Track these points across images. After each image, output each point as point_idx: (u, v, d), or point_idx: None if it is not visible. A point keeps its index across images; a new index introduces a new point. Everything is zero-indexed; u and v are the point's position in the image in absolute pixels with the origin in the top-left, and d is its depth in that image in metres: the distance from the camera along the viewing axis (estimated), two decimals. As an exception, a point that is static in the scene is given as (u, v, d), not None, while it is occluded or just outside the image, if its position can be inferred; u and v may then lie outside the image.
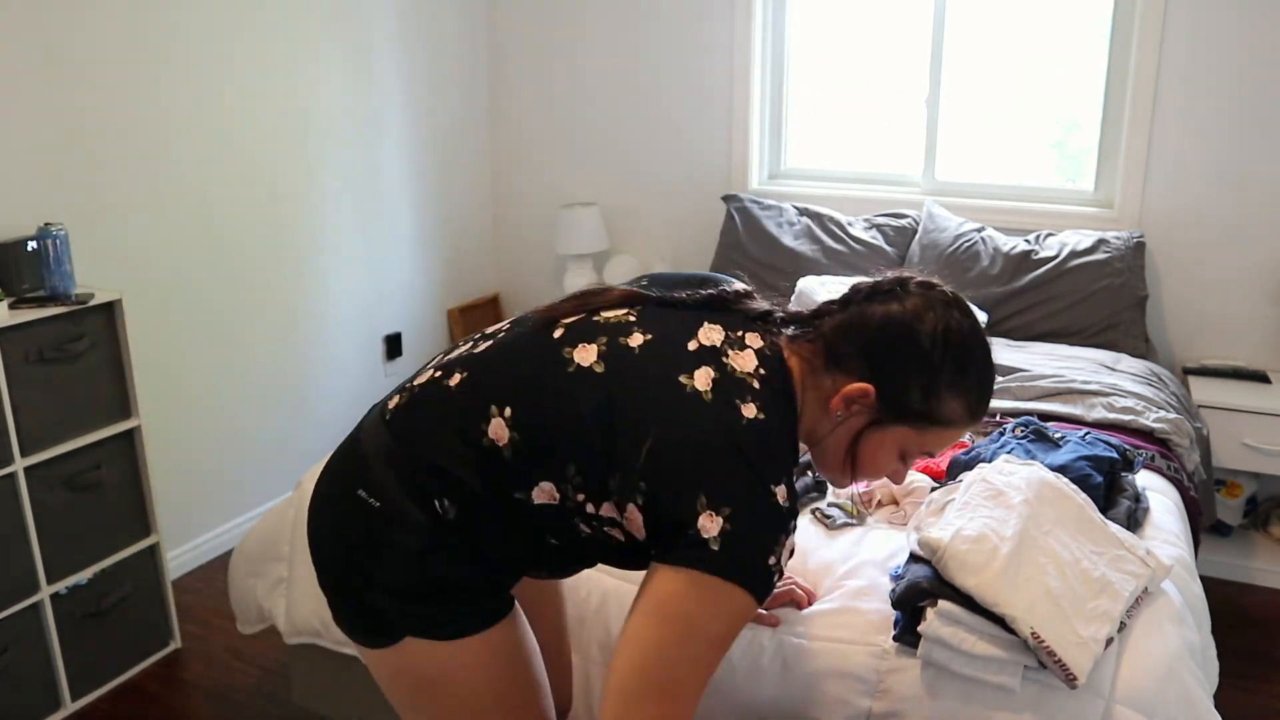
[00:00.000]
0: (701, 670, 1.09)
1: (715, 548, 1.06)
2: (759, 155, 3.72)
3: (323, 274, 3.33)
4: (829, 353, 1.21)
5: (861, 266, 3.30)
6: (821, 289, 3.17)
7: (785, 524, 1.11)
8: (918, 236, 3.30)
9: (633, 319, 1.22)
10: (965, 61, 3.39)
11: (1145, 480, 2.08)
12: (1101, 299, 2.96)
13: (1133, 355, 2.85)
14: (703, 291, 1.27)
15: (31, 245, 2.29)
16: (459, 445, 1.18)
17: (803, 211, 3.47)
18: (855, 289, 1.26)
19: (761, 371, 1.16)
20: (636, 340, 1.19)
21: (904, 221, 3.37)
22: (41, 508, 2.24)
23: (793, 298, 3.20)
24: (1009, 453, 1.99)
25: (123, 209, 2.66)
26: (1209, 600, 1.83)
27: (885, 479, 1.28)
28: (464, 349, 1.31)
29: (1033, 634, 1.42)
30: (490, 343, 1.29)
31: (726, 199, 3.59)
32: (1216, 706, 1.53)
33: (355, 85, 3.38)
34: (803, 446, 1.26)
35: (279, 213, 3.15)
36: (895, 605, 1.57)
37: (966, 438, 2.24)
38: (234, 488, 3.12)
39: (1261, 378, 2.96)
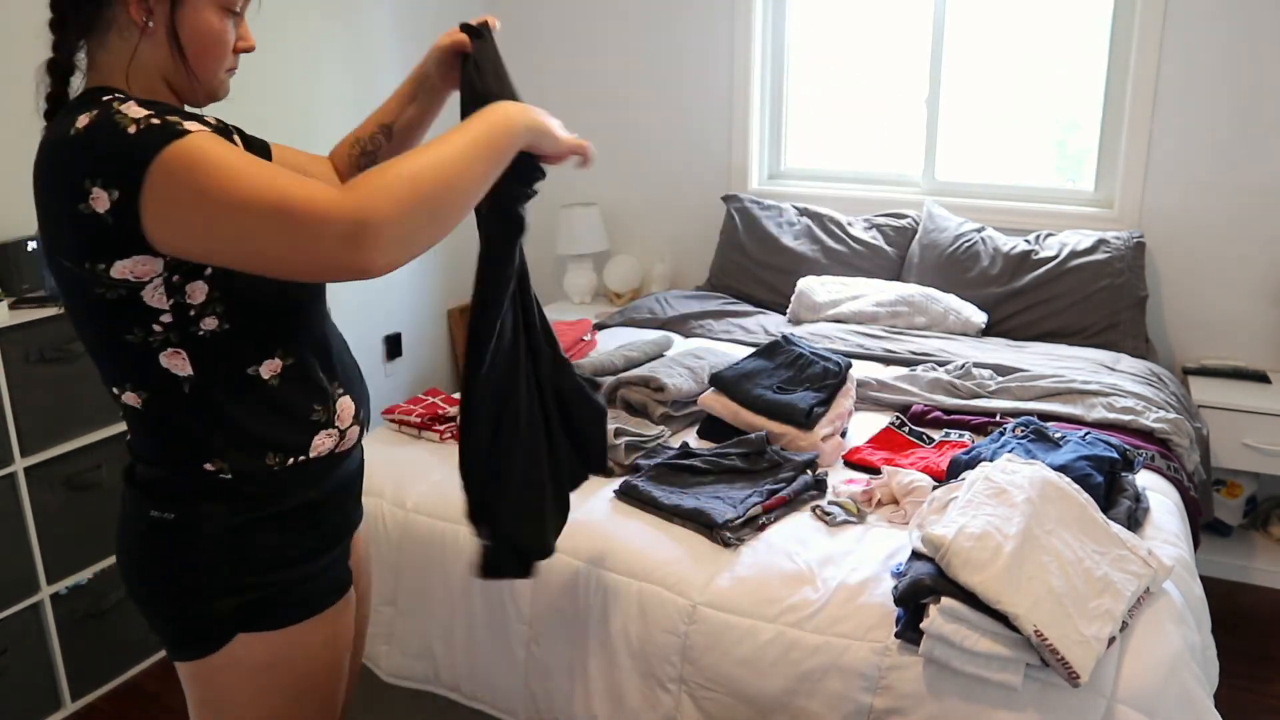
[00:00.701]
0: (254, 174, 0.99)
1: (117, 192, 1.00)
2: (759, 155, 3.72)
3: (323, 274, 3.33)
4: (86, 18, 1.16)
5: (862, 266, 3.30)
6: (821, 289, 3.18)
7: (105, 116, 1.03)
8: (918, 236, 3.30)
9: None
10: (965, 61, 3.39)
11: (1145, 480, 2.08)
12: (1101, 299, 2.96)
13: (1133, 355, 2.85)
14: None
15: (31, 245, 2.29)
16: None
17: (803, 211, 3.48)
18: None
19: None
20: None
21: (904, 221, 3.37)
22: (41, 508, 2.24)
23: (793, 299, 3.20)
24: (1009, 453, 1.99)
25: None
26: (1209, 600, 1.84)
27: (229, 58, 1.18)
28: None
29: (1036, 632, 1.42)
30: None
31: (726, 199, 3.59)
32: (1216, 706, 1.53)
33: (355, 85, 3.38)
34: None
35: (279, 213, 3.14)
36: (897, 602, 1.57)
37: (966, 437, 2.24)
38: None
39: (1261, 378, 2.96)
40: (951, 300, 3.06)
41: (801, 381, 2.28)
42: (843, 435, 2.26)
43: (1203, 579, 1.91)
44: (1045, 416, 2.31)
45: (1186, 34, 2.98)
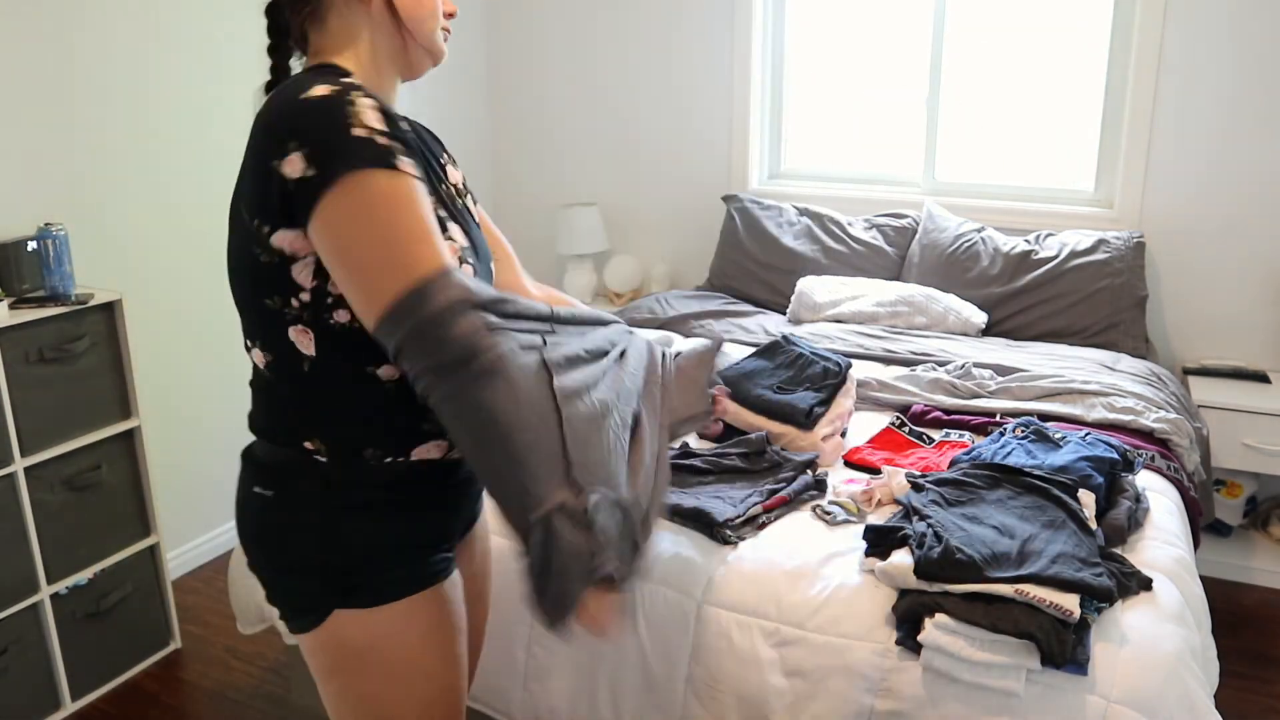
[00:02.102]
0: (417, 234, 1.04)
1: (312, 170, 1.03)
2: (759, 155, 3.72)
3: (323, 274, 3.33)
4: (306, 7, 1.17)
5: (862, 266, 3.30)
6: (821, 289, 3.18)
7: (341, 98, 1.05)
8: (918, 236, 3.30)
9: None
10: (965, 61, 3.39)
11: (1145, 480, 2.08)
12: (1101, 299, 2.96)
13: (1133, 355, 2.85)
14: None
15: (31, 245, 2.29)
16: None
17: (803, 211, 3.48)
18: None
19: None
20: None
21: (904, 221, 3.37)
22: (41, 508, 2.24)
23: (793, 299, 3.20)
24: (1009, 453, 2.00)
25: (123, 209, 2.66)
26: (1209, 600, 1.84)
27: (440, 34, 1.22)
28: None
29: (1017, 590, 1.46)
30: None
31: (726, 199, 3.59)
32: (1216, 706, 1.53)
33: (355, 85, 3.38)
34: None
35: (279, 213, 3.14)
36: (895, 611, 1.58)
37: (966, 437, 2.24)
38: (234, 488, 3.11)
39: (1261, 378, 2.96)
40: (951, 300, 3.06)
41: (801, 381, 2.28)
42: (843, 435, 2.25)
43: (1203, 579, 1.91)
44: (1045, 417, 2.31)
45: (1186, 34, 2.98)
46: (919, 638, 1.51)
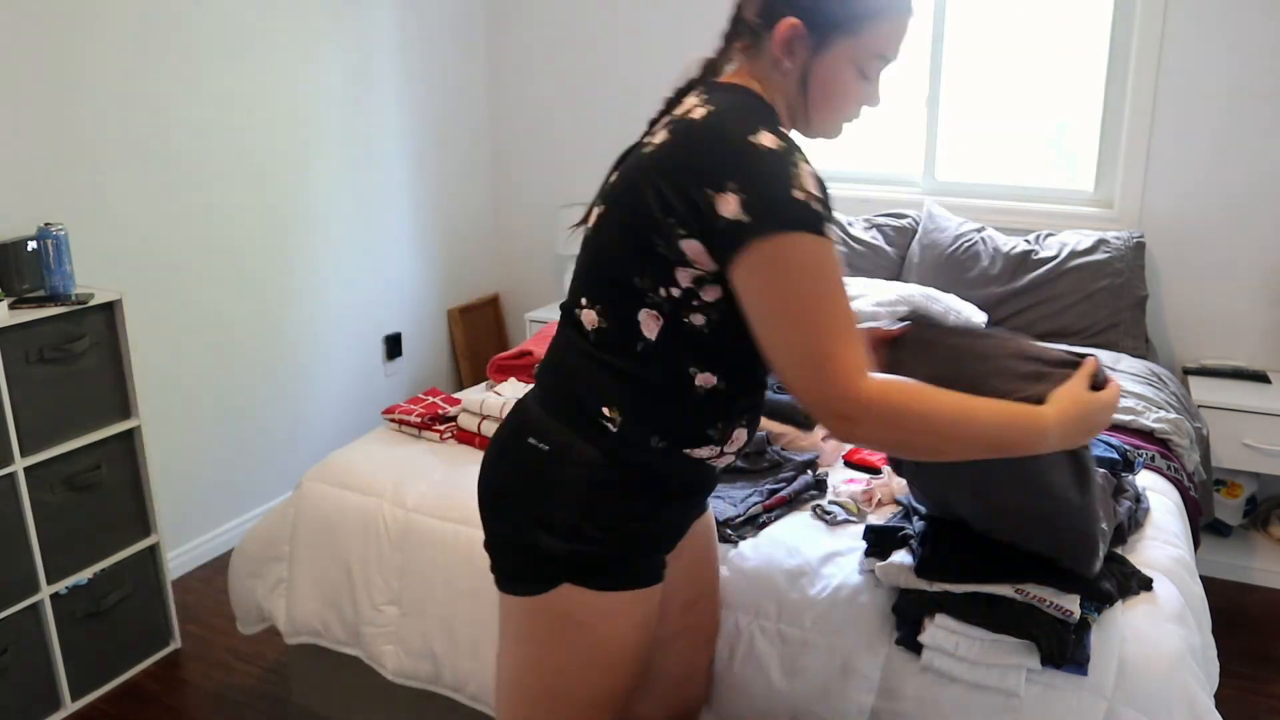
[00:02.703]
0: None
1: (747, 218, 1.10)
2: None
3: (323, 274, 3.33)
4: (751, 31, 1.25)
5: (862, 266, 3.30)
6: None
7: (786, 157, 1.13)
8: (918, 236, 3.30)
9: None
10: (965, 61, 3.39)
11: (1145, 480, 2.08)
12: (1101, 299, 2.96)
13: (1133, 355, 2.85)
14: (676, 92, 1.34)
15: (31, 245, 2.29)
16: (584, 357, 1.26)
17: (803, 211, 3.47)
18: None
19: (707, 95, 1.24)
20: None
21: (904, 221, 3.37)
22: (41, 508, 2.24)
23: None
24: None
25: (123, 209, 2.66)
26: (1209, 600, 1.84)
27: (856, 109, 1.28)
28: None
29: (1018, 590, 1.45)
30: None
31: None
32: (1216, 706, 1.53)
33: (355, 85, 3.38)
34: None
35: (279, 213, 3.15)
36: (895, 611, 1.58)
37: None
38: (234, 488, 3.12)
39: (1261, 378, 2.96)
40: (952, 300, 3.06)
41: (802, 381, 2.28)
42: (843, 435, 2.25)
43: (1203, 579, 1.91)
44: (1045, 416, 2.31)
45: (1186, 34, 2.98)
46: (919, 638, 1.51)
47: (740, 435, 1.32)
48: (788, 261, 1.10)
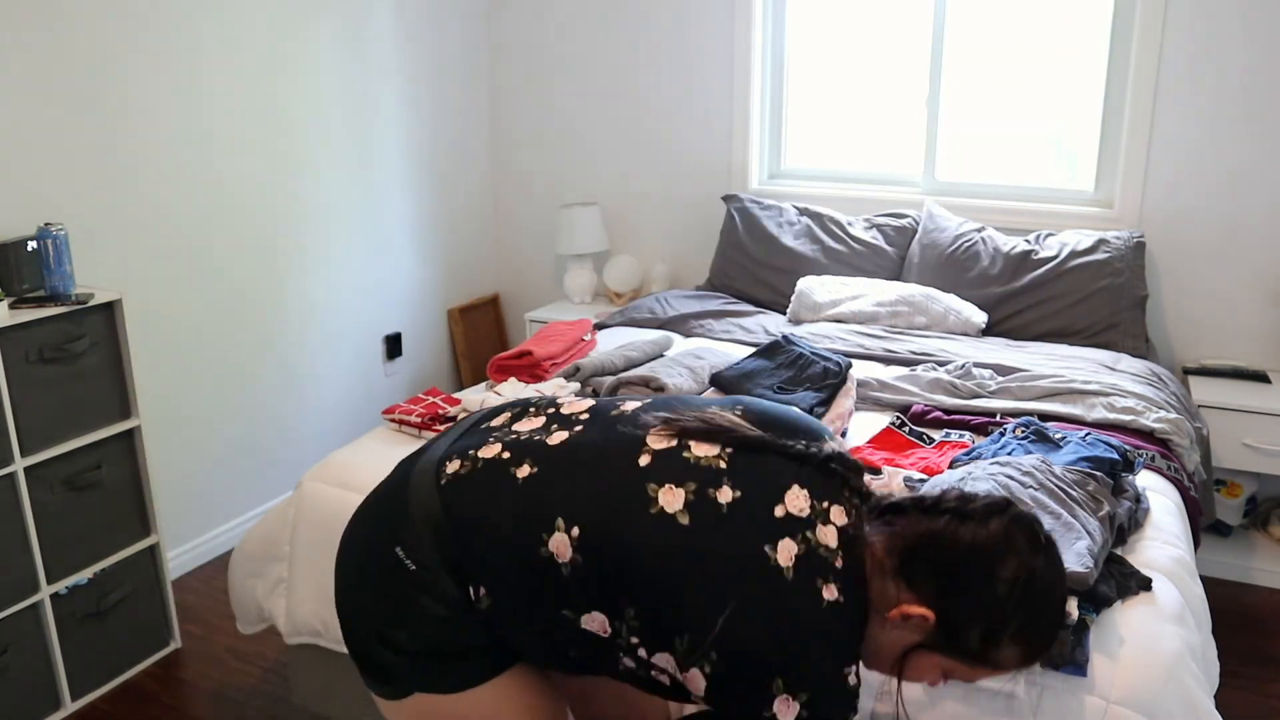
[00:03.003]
0: None
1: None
2: (759, 155, 3.72)
3: (323, 274, 3.33)
4: (901, 560, 1.14)
5: (862, 266, 3.30)
6: (821, 289, 3.18)
7: (854, 704, 1.10)
8: (918, 236, 3.30)
9: (723, 465, 1.16)
10: (965, 61, 3.39)
11: (1145, 480, 2.08)
12: (1101, 299, 2.96)
13: (1133, 355, 2.85)
14: (797, 446, 1.19)
15: (31, 245, 2.29)
16: (513, 546, 1.16)
17: (803, 211, 3.48)
18: (945, 495, 1.18)
19: (842, 552, 1.12)
20: (726, 496, 1.13)
21: (904, 221, 3.37)
22: (41, 508, 2.24)
23: (793, 298, 3.20)
24: (1009, 453, 2.00)
25: (123, 209, 2.66)
26: (1209, 600, 1.83)
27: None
28: (534, 426, 1.27)
29: None
30: (565, 435, 1.23)
31: (726, 199, 3.59)
32: (1217, 706, 1.53)
33: (356, 85, 3.38)
34: None
35: (279, 213, 3.15)
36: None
37: (967, 437, 2.24)
38: (234, 488, 3.12)
39: (1261, 378, 2.96)
40: (951, 300, 3.06)
41: (802, 381, 2.28)
42: (843, 435, 2.26)
43: (1203, 579, 1.91)
44: (1045, 416, 2.31)
45: (1186, 33, 2.98)
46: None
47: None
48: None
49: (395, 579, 1.20)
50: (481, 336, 4.13)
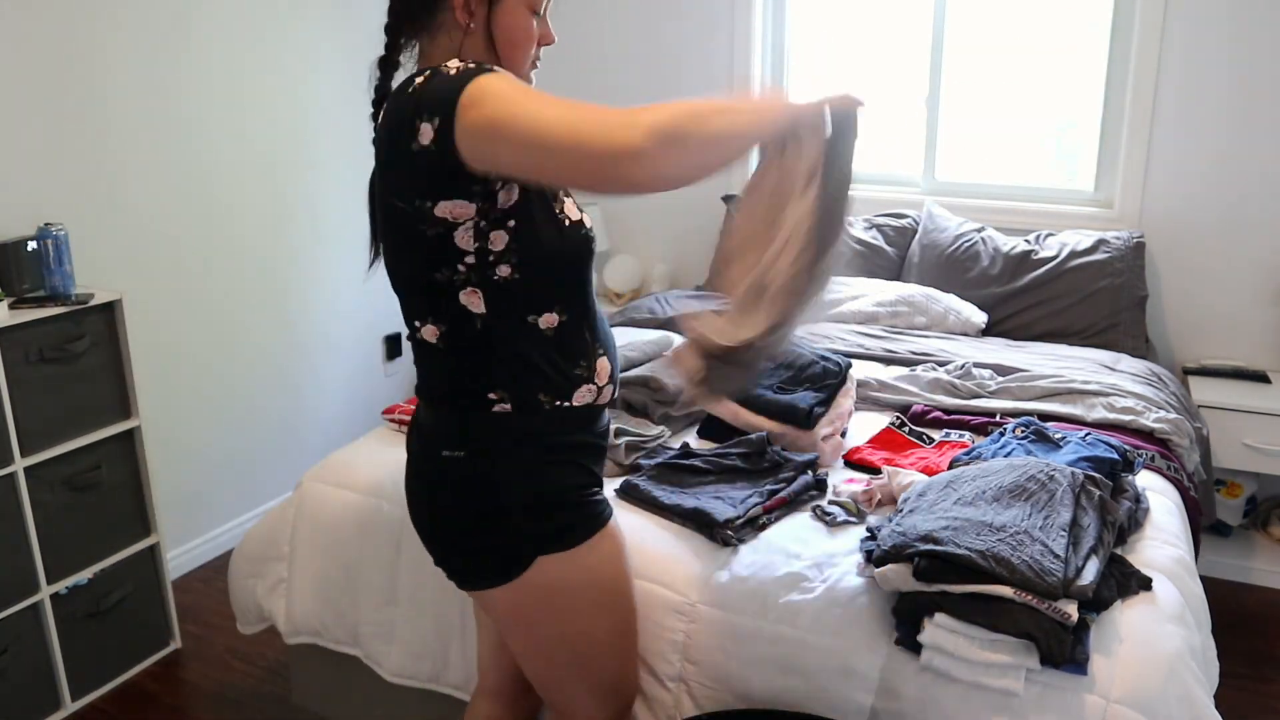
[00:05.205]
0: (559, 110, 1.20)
1: (438, 117, 1.15)
2: (759, 155, 3.71)
3: (323, 274, 3.33)
4: (424, 9, 1.30)
5: (862, 266, 3.30)
6: (821, 289, 3.18)
7: (466, 79, 1.16)
8: (918, 236, 3.30)
9: None
10: (965, 61, 3.39)
11: (1145, 480, 2.08)
12: (1101, 299, 2.96)
13: (1133, 355, 2.85)
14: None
15: (31, 245, 2.29)
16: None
17: (803, 211, 3.47)
18: None
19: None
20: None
21: (904, 221, 3.37)
22: (41, 508, 2.24)
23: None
24: (1009, 453, 1.99)
25: (123, 209, 2.66)
26: (1209, 600, 1.83)
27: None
28: None
29: (1016, 593, 1.45)
30: None
31: (726, 199, 3.59)
32: (1216, 706, 1.53)
33: (355, 84, 3.38)
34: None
35: (279, 213, 3.15)
36: (895, 611, 1.58)
37: (967, 437, 2.24)
38: (234, 488, 3.12)
39: (1261, 378, 2.96)
40: (951, 300, 3.06)
41: (801, 381, 2.28)
42: (843, 435, 2.25)
43: (1203, 579, 1.91)
44: (1045, 416, 2.31)
45: (1186, 34, 2.98)
46: (919, 637, 1.51)
47: (604, 365, 1.39)
48: (483, 99, 1.14)
49: (461, 472, 1.32)
50: (481, 337, 4.13)
